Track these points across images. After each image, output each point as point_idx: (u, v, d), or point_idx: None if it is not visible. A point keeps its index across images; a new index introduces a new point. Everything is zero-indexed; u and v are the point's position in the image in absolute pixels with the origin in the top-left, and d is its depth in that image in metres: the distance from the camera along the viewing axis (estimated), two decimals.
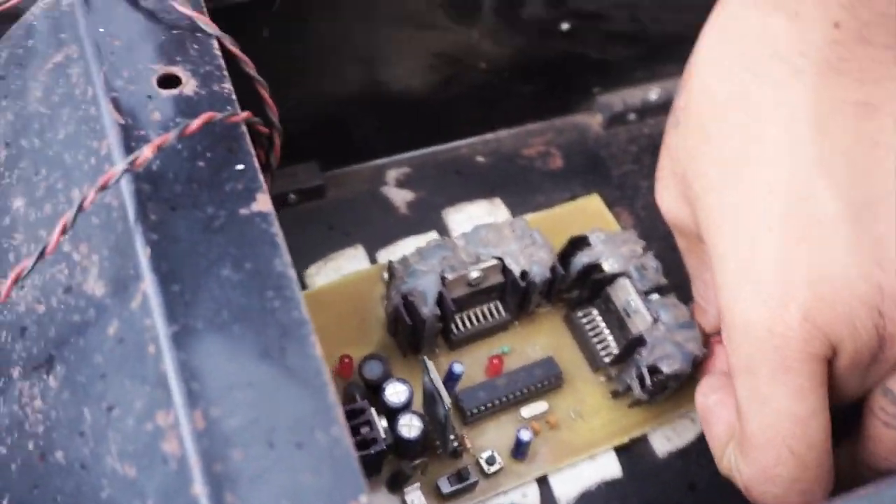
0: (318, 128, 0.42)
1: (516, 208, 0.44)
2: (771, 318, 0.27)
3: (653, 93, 0.49)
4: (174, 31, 0.29)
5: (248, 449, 0.21)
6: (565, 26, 0.44)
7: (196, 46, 0.29)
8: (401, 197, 0.44)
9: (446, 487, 0.35)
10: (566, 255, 0.39)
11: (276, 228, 0.25)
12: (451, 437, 0.35)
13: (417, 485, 0.35)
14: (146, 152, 0.24)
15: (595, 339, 0.39)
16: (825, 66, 0.27)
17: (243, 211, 0.25)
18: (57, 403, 0.24)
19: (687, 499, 0.38)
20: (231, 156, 0.26)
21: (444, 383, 0.37)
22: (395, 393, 0.35)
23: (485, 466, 0.36)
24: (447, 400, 0.32)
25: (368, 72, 0.42)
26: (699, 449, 0.39)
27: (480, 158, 0.47)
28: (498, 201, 0.45)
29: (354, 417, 0.34)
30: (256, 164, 0.26)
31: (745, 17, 0.29)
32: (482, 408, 0.36)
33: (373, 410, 0.34)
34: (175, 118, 0.26)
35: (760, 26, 0.28)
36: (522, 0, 0.43)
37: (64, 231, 0.24)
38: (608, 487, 0.37)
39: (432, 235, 0.42)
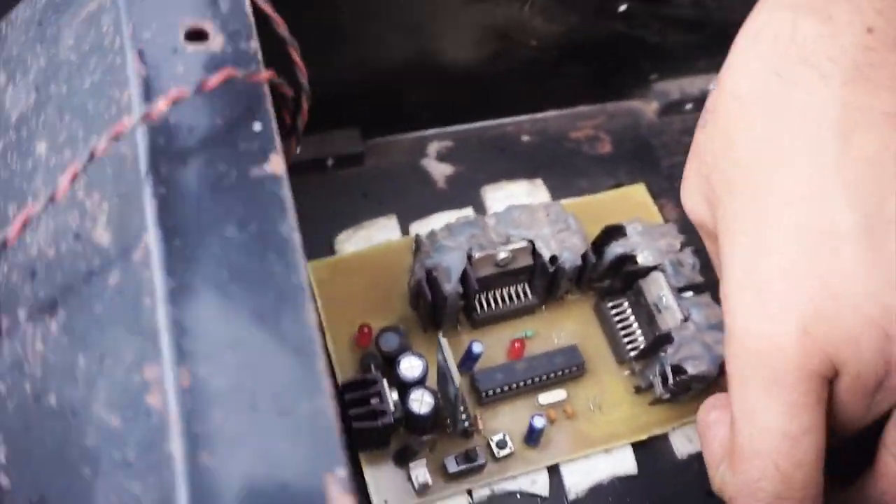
0: (362, 95, 0.42)
1: (557, 191, 0.43)
2: (769, 327, 0.26)
3: (713, 83, 0.47)
4: None
5: (230, 411, 0.21)
6: (623, 7, 0.43)
7: (227, 3, 0.28)
8: (440, 170, 0.44)
9: (453, 467, 0.34)
10: (600, 243, 0.38)
11: (287, 192, 0.24)
12: (463, 416, 0.35)
13: (424, 461, 0.34)
14: (161, 105, 0.24)
15: (622, 332, 0.38)
16: (854, 73, 0.25)
17: (255, 171, 0.25)
18: (56, 348, 0.25)
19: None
20: (250, 115, 0.26)
21: (463, 362, 0.37)
22: (409, 367, 0.34)
23: (495, 450, 0.35)
24: (457, 379, 0.32)
25: (415, 41, 0.41)
26: None
27: (526, 138, 0.46)
28: (539, 182, 0.44)
29: (365, 388, 0.34)
30: (274, 126, 0.26)
31: (778, 19, 0.28)
32: (498, 390, 0.36)
33: (385, 382, 0.34)
34: (198, 73, 0.26)
35: (792, 28, 0.27)
36: None
37: (74, 178, 0.24)
38: (621, 483, 0.37)
39: (468, 212, 0.42)
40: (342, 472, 0.21)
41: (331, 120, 0.42)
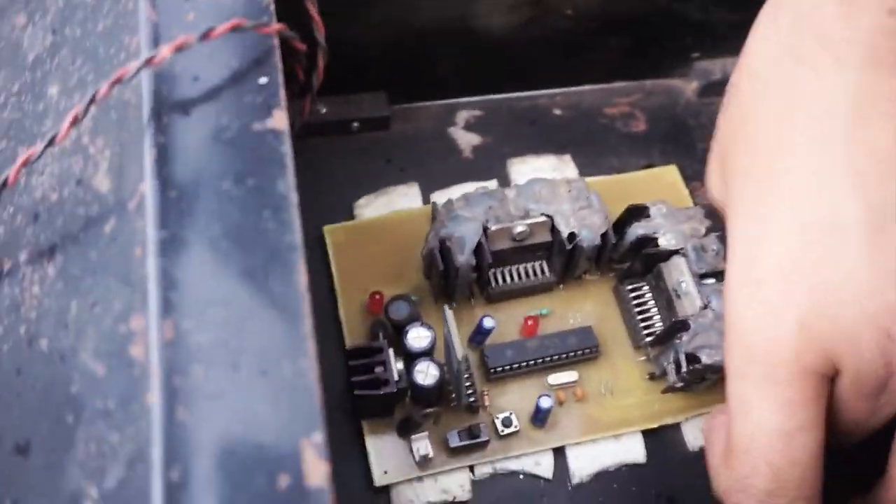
0: (390, 58, 0.41)
1: (586, 168, 0.42)
2: (765, 321, 0.25)
3: None
4: None
5: (211, 367, 0.21)
6: None
7: None
8: (467, 140, 0.43)
9: (455, 441, 0.34)
10: (622, 223, 0.36)
11: (287, 148, 0.24)
12: (469, 392, 0.34)
13: (426, 434, 0.34)
14: (164, 51, 0.23)
15: (640, 316, 0.37)
16: (871, 58, 0.24)
17: (257, 126, 0.24)
18: (51, 292, 0.24)
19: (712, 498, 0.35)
20: (256, 68, 0.25)
21: (473, 337, 0.36)
22: (417, 337, 0.34)
23: (500, 427, 0.34)
24: (460, 351, 0.31)
25: (447, 4, 0.40)
26: None
27: (558, 111, 0.44)
28: (567, 158, 0.42)
29: (371, 355, 0.33)
30: (281, 80, 0.25)
31: None
32: (507, 367, 0.35)
33: (391, 351, 0.33)
34: (208, 22, 0.26)
35: (811, 8, 0.25)
36: None
37: (74, 122, 0.23)
38: (629, 471, 0.36)
39: (492, 185, 0.41)
40: (319, 437, 0.20)
41: (357, 82, 0.41)
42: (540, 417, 0.34)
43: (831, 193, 0.24)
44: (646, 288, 0.37)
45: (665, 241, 0.35)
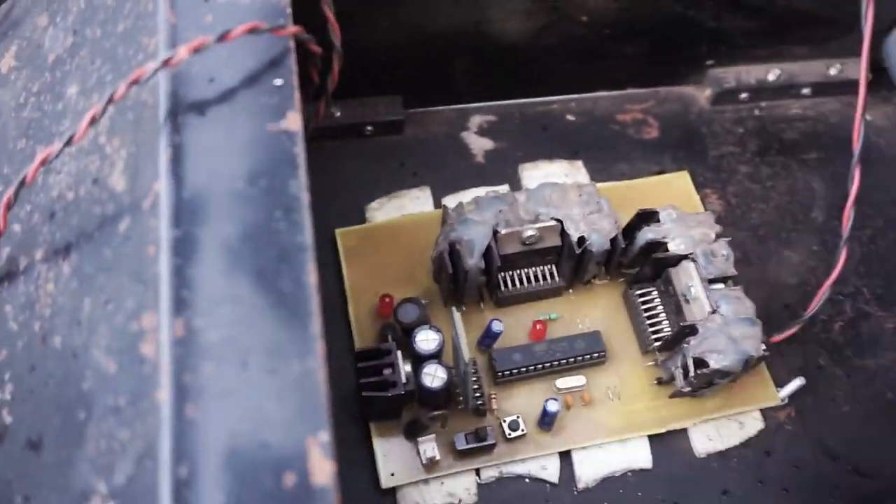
0: (405, 62, 0.41)
1: (597, 174, 0.42)
2: None
3: (772, 73, 0.46)
4: None
5: (221, 365, 0.21)
6: None
7: None
8: (479, 145, 0.43)
9: (462, 444, 0.34)
10: (632, 228, 0.37)
11: (300, 149, 0.24)
12: (477, 395, 0.34)
13: (433, 436, 0.34)
14: (181, 52, 0.24)
15: (649, 321, 0.37)
16: None
17: (271, 127, 0.24)
18: (65, 290, 0.25)
19: None
20: (272, 69, 0.25)
21: (482, 340, 0.36)
22: (425, 340, 0.34)
23: (507, 430, 0.35)
24: (467, 354, 0.31)
25: (463, 7, 0.40)
26: (741, 455, 0.36)
27: (570, 117, 0.45)
28: (579, 164, 0.43)
29: (379, 357, 0.34)
30: (296, 82, 0.25)
31: None
32: (515, 371, 0.35)
33: (399, 354, 0.34)
34: (226, 24, 0.26)
35: None
36: None
37: (92, 122, 0.24)
38: (634, 476, 0.36)
39: (504, 189, 0.41)
40: (325, 436, 0.20)
41: (372, 86, 0.42)
42: (547, 421, 0.35)
43: None
44: (655, 293, 0.37)
45: (674, 246, 0.36)
